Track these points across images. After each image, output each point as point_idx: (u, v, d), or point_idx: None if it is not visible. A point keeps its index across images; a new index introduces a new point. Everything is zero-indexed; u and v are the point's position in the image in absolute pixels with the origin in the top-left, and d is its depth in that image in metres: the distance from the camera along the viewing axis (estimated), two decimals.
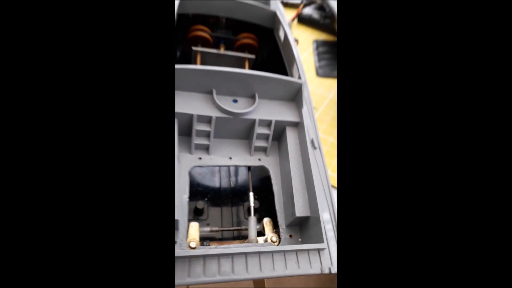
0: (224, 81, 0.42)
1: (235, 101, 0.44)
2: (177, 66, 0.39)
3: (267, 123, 0.44)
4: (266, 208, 0.45)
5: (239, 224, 0.45)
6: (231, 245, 0.32)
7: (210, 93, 0.43)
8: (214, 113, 0.41)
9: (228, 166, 0.46)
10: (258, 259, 0.30)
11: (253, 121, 0.43)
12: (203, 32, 0.60)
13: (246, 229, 0.41)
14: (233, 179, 0.50)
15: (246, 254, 0.30)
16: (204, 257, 0.29)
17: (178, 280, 0.27)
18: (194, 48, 0.58)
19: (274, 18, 0.62)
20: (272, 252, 0.31)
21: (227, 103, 0.43)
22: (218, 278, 0.28)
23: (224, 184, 0.49)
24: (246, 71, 0.42)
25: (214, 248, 0.29)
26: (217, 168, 0.50)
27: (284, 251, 0.31)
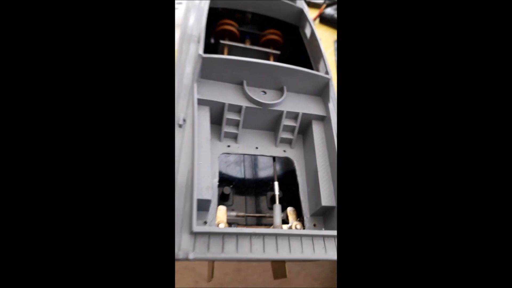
0: (254, 72, 0.44)
1: (264, 92, 0.45)
2: (210, 55, 0.41)
3: (294, 116, 0.45)
4: (288, 199, 0.46)
5: (262, 212, 0.46)
6: (261, 228, 0.34)
7: (240, 84, 0.44)
8: (244, 103, 0.43)
9: (254, 155, 0.48)
10: (287, 241, 0.31)
11: (281, 113, 0.44)
12: (231, 26, 0.62)
13: (270, 217, 0.42)
14: (256, 169, 0.51)
15: (276, 235, 0.31)
16: (237, 235, 0.30)
17: (213, 255, 0.29)
18: (221, 41, 0.60)
19: (300, 15, 0.63)
20: (300, 236, 0.32)
21: (256, 94, 0.44)
22: (250, 255, 0.30)
23: (248, 174, 0.50)
24: (277, 63, 0.44)
25: (246, 229, 0.31)
26: (241, 158, 0.52)
27: (301, 235, 0.33)
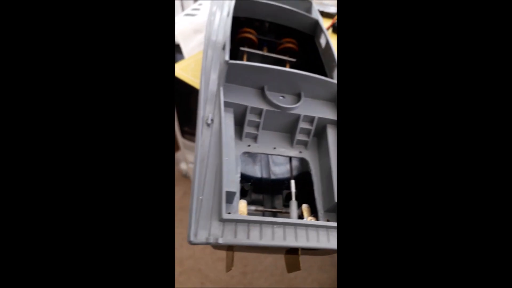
0: (275, 78, 0.47)
1: (283, 97, 0.49)
2: (236, 61, 0.44)
3: (310, 119, 0.48)
4: (302, 197, 0.49)
5: (276, 209, 0.49)
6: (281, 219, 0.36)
7: (261, 88, 0.48)
8: (265, 106, 0.46)
9: (272, 155, 0.51)
10: (305, 231, 0.34)
11: (298, 116, 0.47)
12: (251, 34, 0.66)
13: (286, 213, 0.45)
14: (271, 170, 0.54)
15: (295, 225, 0.35)
16: (261, 223, 0.33)
17: (239, 241, 0.31)
18: (241, 48, 0.64)
19: (316, 26, 0.67)
20: (317, 227, 0.35)
21: (276, 99, 0.47)
22: (272, 242, 0.32)
23: (264, 173, 0.53)
24: (296, 71, 0.47)
25: (268, 218, 0.34)
26: (258, 158, 0.55)
27: (317, 226, 0.36)
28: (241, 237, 0.32)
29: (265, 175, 0.54)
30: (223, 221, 0.32)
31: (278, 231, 0.33)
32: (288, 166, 0.50)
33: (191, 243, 0.31)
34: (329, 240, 0.35)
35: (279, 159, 0.55)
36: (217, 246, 0.35)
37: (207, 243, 0.31)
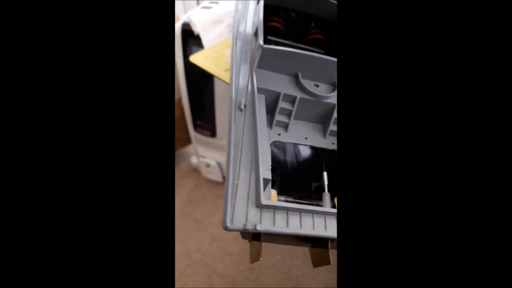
0: (309, 65, 0.45)
1: (317, 86, 0.47)
2: (271, 46, 0.43)
3: None
4: (332, 192, 0.47)
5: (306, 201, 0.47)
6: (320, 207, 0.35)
7: (295, 76, 0.46)
8: (299, 94, 0.44)
9: (300, 146, 0.49)
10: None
11: (333, 106, 0.45)
12: (279, 23, 0.64)
13: (319, 205, 0.43)
14: (299, 161, 0.53)
15: (336, 215, 0.32)
16: (300, 211, 0.31)
17: (278, 229, 0.30)
18: (269, 37, 0.62)
19: None
20: None
21: (310, 86, 0.45)
22: (313, 232, 0.31)
23: (292, 164, 0.52)
24: (332, 58, 0.45)
25: (308, 206, 0.32)
26: (287, 149, 0.53)
27: None
28: (280, 225, 0.30)
29: (292, 166, 0.52)
30: (261, 207, 0.31)
31: (319, 221, 0.32)
32: (317, 159, 0.49)
33: (226, 229, 0.29)
34: None
35: (306, 151, 0.54)
36: (246, 235, 0.34)
37: (245, 230, 0.29)
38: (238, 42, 0.51)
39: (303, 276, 1.04)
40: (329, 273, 1.04)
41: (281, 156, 0.52)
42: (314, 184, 0.48)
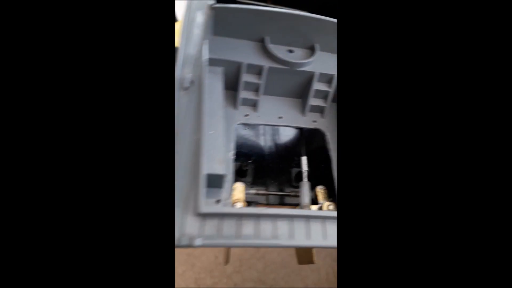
0: (279, 26, 0.36)
1: (291, 51, 0.38)
2: (224, 5, 0.34)
3: (328, 79, 0.38)
4: (317, 177, 0.40)
5: (284, 191, 0.41)
6: (287, 209, 0.28)
7: (261, 41, 0.37)
8: (266, 63, 0.36)
9: (277, 126, 0.41)
10: (321, 225, 0.26)
11: (311, 75, 0.37)
12: None
13: (295, 196, 0.37)
14: (279, 143, 0.45)
15: (308, 217, 0.25)
16: (258, 216, 0.24)
17: (226, 241, 0.24)
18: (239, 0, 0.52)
19: None
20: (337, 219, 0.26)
21: (281, 53, 0.37)
22: (273, 242, 0.24)
23: (269, 148, 0.45)
24: (307, 14, 0.36)
25: (270, 209, 0.25)
26: (262, 130, 0.46)
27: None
28: (229, 236, 0.24)
29: (271, 150, 0.45)
30: (202, 216, 0.24)
31: (283, 225, 0.25)
32: (299, 139, 0.41)
33: None
34: None
35: (288, 131, 0.46)
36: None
37: (180, 246, 0.23)
38: (194, 4, 0.42)
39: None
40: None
41: (257, 139, 0.45)
42: (295, 170, 0.41)
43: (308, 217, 0.25)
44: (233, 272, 0.95)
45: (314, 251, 0.37)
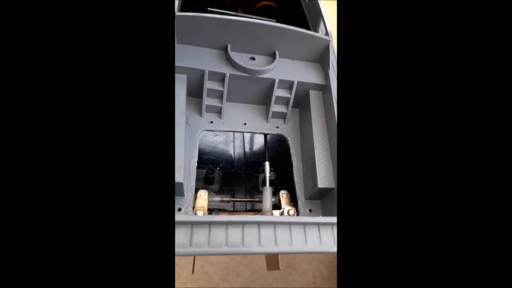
0: (240, 35, 0.37)
1: (252, 59, 0.39)
2: (186, 13, 0.35)
3: (288, 85, 0.39)
4: (282, 181, 0.41)
5: (252, 197, 0.41)
6: (242, 215, 0.28)
7: (224, 49, 0.38)
8: (228, 70, 0.37)
9: (242, 132, 0.42)
10: (273, 230, 0.26)
11: (272, 81, 0.38)
12: None
13: (260, 201, 0.38)
14: (247, 149, 0.46)
15: (259, 223, 0.26)
16: (210, 224, 0.25)
17: (178, 249, 0.24)
18: (209, 9, 0.54)
19: None
20: (289, 224, 0.26)
21: (243, 60, 0.38)
22: (224, 249, 0.25)
23: (238, 154, 0.45)
24: (266, 22, 0.37)
25: (221, 216, 0.25)
26: (231, 137, 0.46)
27: (304, 223, 0.27)
28: (199, 244, 0.24)
29: (239, 156, 0.45)
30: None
31: (251, 232, 0.25)
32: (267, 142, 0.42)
33: None
34: (321, 242, 0.26)
35: (257, 136, 0.47)
36: None
37: None
38: None
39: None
40: None
41: (226, 146, 0.46)
42: (262, 176, 0.42)
43: (259, 223, 0.25)
44: (220, 281, 0.94)
45: (280, 257, 0.37)
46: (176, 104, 0.33)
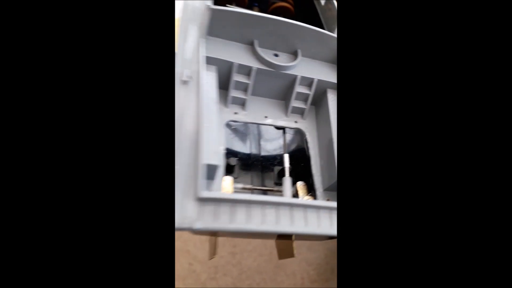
0: (267, 32, 0.39)
1: (276, 55, 0.41)
2: (220, 7, 0.36)
3: (308, 83, 0.41)
4: (297, 174, 0.43)
5: (267, 187, 0.43)
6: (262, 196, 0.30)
7: (251, 44, 0.40)
8: (255, 64, 0.39)
9: (262, 126, 0.44)
10: (303, 213, 0.28)
11: (294, 78, 0.40)
12: None
13: (278, 191, 0.39)
14: (263, 143, 0.48)
15: (291, 205, 0.28)
16: (249, 203, 0.26)
17: (221, 225, 0.25)
18: (228, 5, 0.55)
19: None
20: (317, 208, 0.29)
21: (268, 56, 0.40)
22: (261, 227, 0.26)
23: (254, 147, 0.47)
24: (293, 21, 0.39)
25: (258, 196, 0.27)
26: (247, 131, 0.48)
27: (318, 207, 0.29)
28: (223, 221, 0.25)
29: (254, 150, 0.47)
30: (201, 200, 0.26)
31: (270, 213, 0.27)
32: (281, 140, 0.44)
33: None
34: (332, 225, 0.28)
35: (271, 132, 0.49)
36: (197, 231, 0.29)
37: (180, 229, 0.24)
38: (190, 3, 0.44)
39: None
40: (310, 252, 1.04)
41: (243, 138, 0.47)
42: (277, 168, 0.43)
43: (291, 205, 0.28)
44: (208, 279, 0.94)
45: (295, 244, 0.38)
46: (210, 93, 0.34)
